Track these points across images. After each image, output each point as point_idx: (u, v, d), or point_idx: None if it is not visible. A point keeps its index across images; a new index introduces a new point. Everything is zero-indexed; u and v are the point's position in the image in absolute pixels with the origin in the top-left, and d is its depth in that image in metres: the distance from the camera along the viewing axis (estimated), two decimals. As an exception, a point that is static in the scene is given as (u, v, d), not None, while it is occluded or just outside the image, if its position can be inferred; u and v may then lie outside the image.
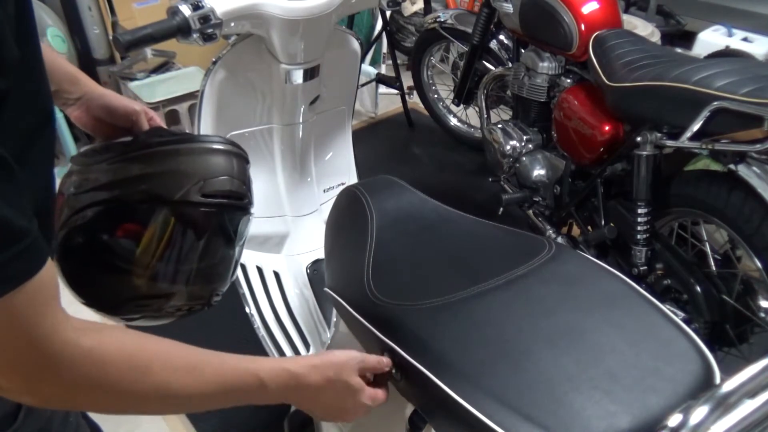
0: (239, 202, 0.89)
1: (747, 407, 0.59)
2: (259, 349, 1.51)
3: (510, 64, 2.24)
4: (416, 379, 0.77)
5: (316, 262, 1.59)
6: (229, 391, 0.66)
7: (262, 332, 1.51)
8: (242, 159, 0.91)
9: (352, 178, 1.66)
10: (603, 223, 1.78)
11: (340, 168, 1.64)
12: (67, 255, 0.80)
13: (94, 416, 0.98)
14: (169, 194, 0.80)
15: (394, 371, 0.81)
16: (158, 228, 0.80)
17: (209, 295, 0.91)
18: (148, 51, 2.77)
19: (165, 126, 0.93)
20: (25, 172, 0.50)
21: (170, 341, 0.63)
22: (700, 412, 0.59)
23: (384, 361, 0.81)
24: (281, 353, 1.48)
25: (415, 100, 3.10)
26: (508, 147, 2.02)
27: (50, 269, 0.51)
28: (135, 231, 0.79)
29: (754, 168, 1.43)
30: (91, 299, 0.82)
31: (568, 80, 1.87)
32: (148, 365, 0.59)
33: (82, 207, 0.78)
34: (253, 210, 0.94)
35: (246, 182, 0.91)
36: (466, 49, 2.40)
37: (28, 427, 0.68)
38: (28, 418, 0.68)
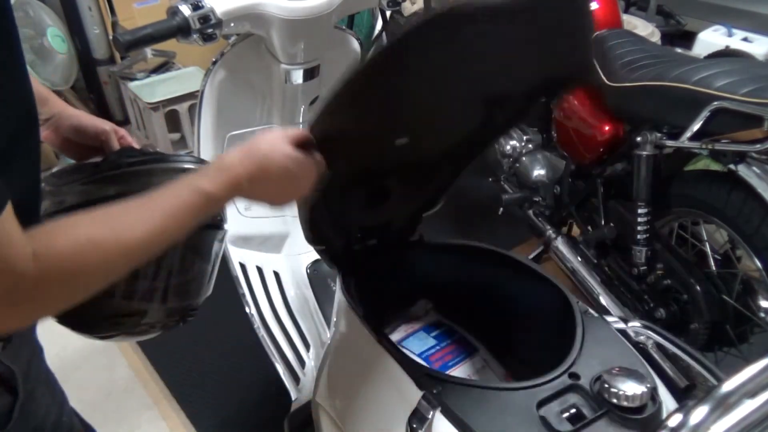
0: (210, 220, 0.89)
1: (747, 407, 0.60)
2: (259, 349, 1.51)
3: (510, 64, 2.24)
4: None
5: (316, 262, 1.59)
6: (179, 214, 0.65)
7: (262, 332, 1.51)
8: None
9: (352, 178, 1.66)
10: (603, 223, 1.78)
11: (340, 168, 1.64)
12: None
13: (88, 418, 0.98)
14: None
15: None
16: None
17: (183, 311, 0.91)
18: (148, 51, 2.77)
19: (136, 144, 0.93)
20: (12, 170, 0.52)
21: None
22: (700, 412, 0.59)
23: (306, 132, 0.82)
24: (281, 353, 1.48)
25: (415, 100, 3.09)
26: (508, 147, 2.02)
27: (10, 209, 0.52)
28: None
29: (754, 168, 1.43)
30: (64, 318, 0.82)
31: (568, 80, 1.87)
32: (92, 221, 0.59)
33: None
34: (226, 226, 0.94)
35: None
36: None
37: (22, 427, 0.68)
38: (21, 419, 0.68)
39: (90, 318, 0.83)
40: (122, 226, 0.60)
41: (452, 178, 1.19)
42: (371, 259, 1.20)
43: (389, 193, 1.15)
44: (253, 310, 1.52)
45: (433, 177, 1.16)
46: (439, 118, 0.95)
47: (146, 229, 0.61)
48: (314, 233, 1.10)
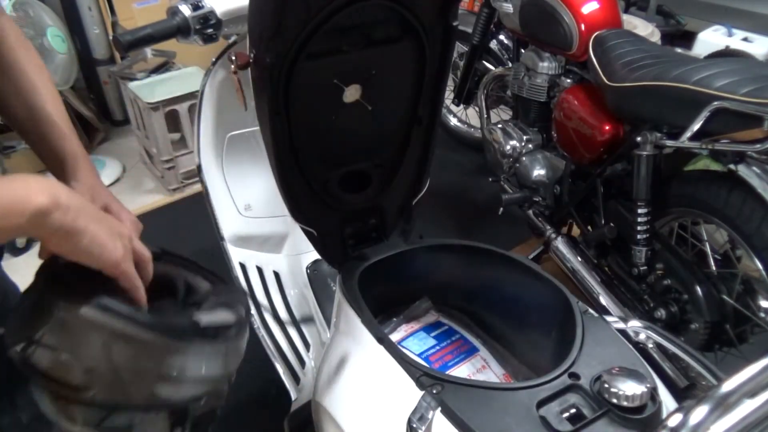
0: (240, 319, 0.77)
1: (747, 407, 0.60)
2: (259, 349, 1.50)
3: (510, 64, 2.24)
4: None
5: (316, 262, 1.59)
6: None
7: (262, 332, 1.51)
8: (201, 355, 0.72)
9: (352, 178, 1.66)
10: (603, 222, 1.78)
11: (341, 168, 1.64)
12: None
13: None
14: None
15: None
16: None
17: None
18: (148, 51, 2.78)
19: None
20: None
21: None
22: (700, 412, 0.59)
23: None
24: (281, 353, 1.48)
25: (415, 100, 3.09)
26: (508, 147, 2.02)
27: None
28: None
29: (754, 168, 1.43)
30: None
31: (568, 80, 1.87)
32: None
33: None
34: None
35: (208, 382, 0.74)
36: (466, 49, 2.40)
37: None
38: None
39: None
40: None
41: (424, 152, 1.19)
42: (371, 259, 1.20)
43: (369, 177, 1.17)
44: (253, 310, 1.52)
45: (404, 152, 1.17)
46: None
47: None
48: (295, 205, 1.13)
